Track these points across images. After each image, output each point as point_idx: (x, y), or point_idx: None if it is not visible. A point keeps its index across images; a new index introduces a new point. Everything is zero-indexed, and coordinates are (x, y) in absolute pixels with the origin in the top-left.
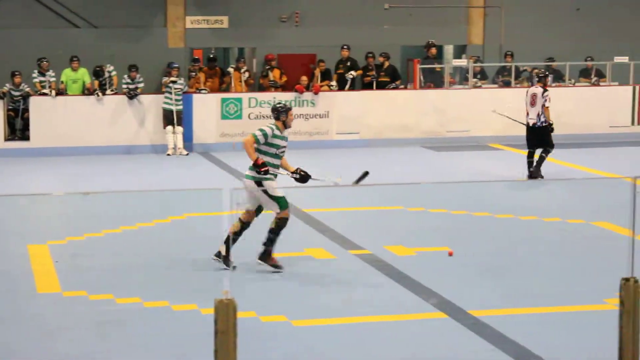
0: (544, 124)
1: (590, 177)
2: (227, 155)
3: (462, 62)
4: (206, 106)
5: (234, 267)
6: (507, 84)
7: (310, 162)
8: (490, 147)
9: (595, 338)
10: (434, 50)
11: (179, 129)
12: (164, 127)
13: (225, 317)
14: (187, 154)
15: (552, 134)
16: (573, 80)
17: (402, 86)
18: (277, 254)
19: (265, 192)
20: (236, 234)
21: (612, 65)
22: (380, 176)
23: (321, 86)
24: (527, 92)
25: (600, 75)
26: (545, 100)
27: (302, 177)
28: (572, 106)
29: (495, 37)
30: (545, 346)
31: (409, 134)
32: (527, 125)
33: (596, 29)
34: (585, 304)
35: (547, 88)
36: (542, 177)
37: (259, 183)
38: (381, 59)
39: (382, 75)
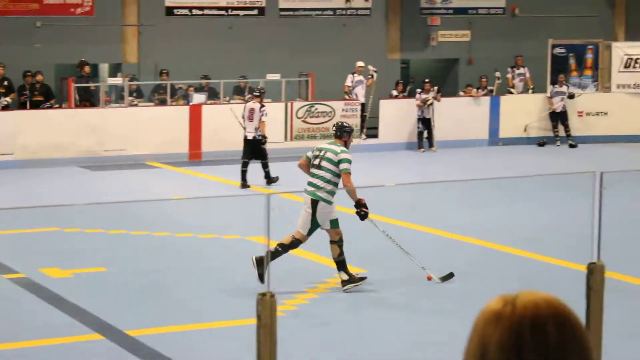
0: (260, 137)
1: (237, 194)
2: None
3: (118, 80)
4: None
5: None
6: (163, 102)
7: None
8: (148, 165)
9: (248, 352)
10: (87, 69)
11: None
12: None
13: None
14: None
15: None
16: (228, 98)
17: (56, 105)
18: None
19: (313, 214)
20: (340, 254)
21: (265, 82)
22: (35, 198)
23: None
24: (244, 107)
25: (254, 92)
26: (262, 114)
27: (362, 215)
28: (226, 122)
29: (150, 55)
30: None
31: (65, 153)
32: (245, 138)
33: (248, 47)
34: (240, 318)
35: (264, 104)
36: (276, 180)
37: (314, 202)
38: (38, 78)
39: (36, 94)
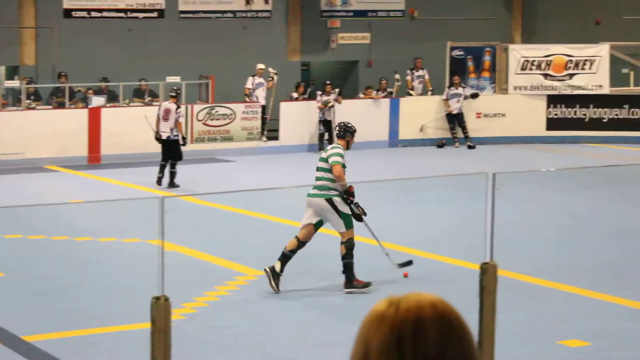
0: (175, 137)
1: (134, 197)
2: None
3: (15, 83)
4: None
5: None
6: (61, 105)
7: None
8: (47, 169)
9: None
10: None
11: None
12: None
13: None
14: None
15: (182, 147)
16: (127, 100)
17: None
18: None
19: (337, 210)
20: (292, 252)
21: (165, 85)
22: None
23: None
24: (159, 106)
25: (154, 95)
26: (179, 116)
27: (357, 215)
28: (125, 125)
29: (48, 58)
30: None
31: None
32: (160, 138)
33: (148, 50)
34: (138, 322)
35: (180, 104)
36: (178, 186)
37: (329, 201)
38: None
39: None
